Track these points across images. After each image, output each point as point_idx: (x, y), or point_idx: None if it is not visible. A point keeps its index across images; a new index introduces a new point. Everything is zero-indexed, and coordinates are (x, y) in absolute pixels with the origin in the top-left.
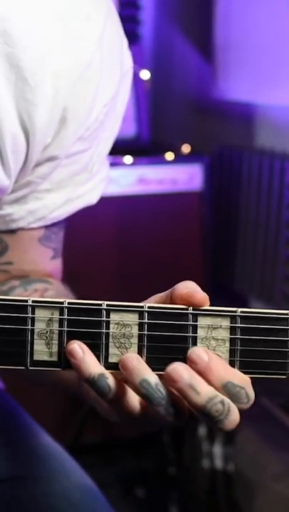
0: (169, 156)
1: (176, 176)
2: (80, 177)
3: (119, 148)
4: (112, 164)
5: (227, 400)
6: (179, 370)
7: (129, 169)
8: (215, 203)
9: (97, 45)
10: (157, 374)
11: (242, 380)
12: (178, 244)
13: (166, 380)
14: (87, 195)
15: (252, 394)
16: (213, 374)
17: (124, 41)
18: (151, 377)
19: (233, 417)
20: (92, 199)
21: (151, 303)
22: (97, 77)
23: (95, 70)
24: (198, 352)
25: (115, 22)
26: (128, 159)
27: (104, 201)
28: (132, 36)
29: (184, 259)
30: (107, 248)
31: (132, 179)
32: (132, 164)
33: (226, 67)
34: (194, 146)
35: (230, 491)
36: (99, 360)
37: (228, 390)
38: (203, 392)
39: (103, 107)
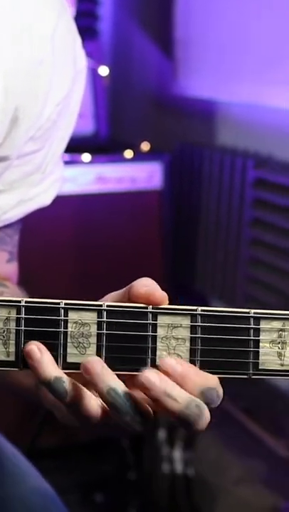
0: (128, 153)
1: (135, 174)
2: (33, 178)
3: (76, 146)
4: (70, 162)
5: (201, 402)
6: (151, 377)
7: (87, 167)
8: (175, 201)
9: (49, 43)
10: (118, 374)
11: (213, 381)
12: (137, 244)
13: (140, 388)
14: (41, 196)
15: (221, 392)
16: (188, 383)
17: (77, 39)
18: (119, 386)
19: (206, 417)
20: (46, 200)
21: (107, 301)
22: (49, 76)
23: (47, 69)
24: (170, 362)
25: (68, 20)
26: (86, 157)
27: (62, 200)
28: (90, 32)
29: (144, 259)
30: (65, 248)
31: (90, 177)
32: (90, 162)
33: (186, 63)
34: (154, 144)
35: (190, 495)
36: (57, 361)
37: (205, 396)
38: (181, 398)
39: (56, 105)
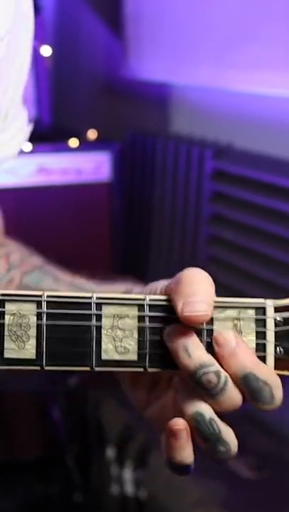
0: (73, 142)
1: (81, 165)
2: None
3: None
4: None
5: (225, 374)
6: (177, 329)
7: (28, 157)
8: (126, 195)
9: None
10: (61, 370)
11: (269, 376)
12: (84, 241)
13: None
14: (5, 147)
15: (279, 396)
16: (235, 361)
17: None
18: (206, 410)
19: (230, 395)
20: (12, 151)
21: (149, 291)
22: None
23: None
24: (226, 335)
25: None
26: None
27: (0, 193)
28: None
29: (91, 259)
30: None
31: (31, 169)
32: (31, 152)
33: (137, 43)
34: (102, 132)
35: None
36: None
37: (248, 381)
38: (196, 356)
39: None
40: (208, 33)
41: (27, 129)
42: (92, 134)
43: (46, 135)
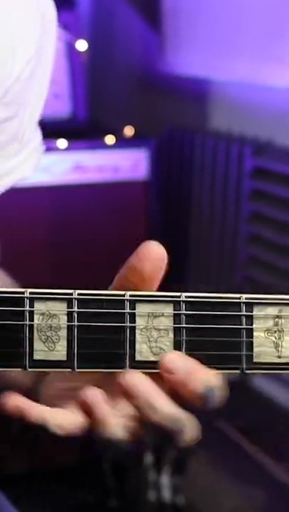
0: (110, 139)
1: (117, 162)
2: (9, 148)
3: (51, 131)
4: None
5: (181, 417)
6: (135, 381)
7: (64, 155)
8: (163, 193)
9: None
10: (87, 371)
11: (216, 379)
12: (120, 241)
13: (123, 393)
14: (21, 168)
15: (220, 394)
16: (192, 381)
17: None
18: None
19: (190, 428)
20: (26, 172)
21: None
22: (11, 29)
23: (6, 18)
24: (172, 359)
25: None
26: (62, 143)
27: (35, 192)
28: (66, 1)
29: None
30: (39, 246)
31: (67, 166)
32: (67, 149)
33: (175, 37)
34: (139, 128)
35: None
36: (22, 358)
37: (206, 397)
38: (161, 410)
39: (26, 64)
40: (247, 27)
41: (41, 149)
42: (129, 131)
43: (82, 132)
